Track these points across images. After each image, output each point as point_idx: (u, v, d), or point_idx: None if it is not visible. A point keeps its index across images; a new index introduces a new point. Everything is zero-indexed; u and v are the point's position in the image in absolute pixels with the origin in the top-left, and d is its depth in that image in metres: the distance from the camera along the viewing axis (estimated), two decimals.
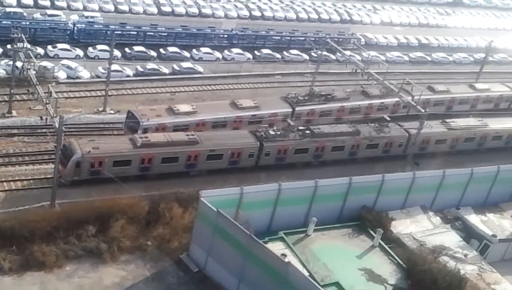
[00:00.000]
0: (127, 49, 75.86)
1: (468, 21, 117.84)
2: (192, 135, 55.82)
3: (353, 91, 72.86)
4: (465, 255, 50.04)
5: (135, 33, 78.91)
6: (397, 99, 69.33)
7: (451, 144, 69.11)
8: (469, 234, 53.36)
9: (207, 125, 60.32)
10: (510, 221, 55.69)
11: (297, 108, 66.18)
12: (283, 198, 47.69)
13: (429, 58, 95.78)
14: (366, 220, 50.10)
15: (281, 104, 66.29)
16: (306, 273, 42.11)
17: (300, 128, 61.05)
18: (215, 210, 42.55)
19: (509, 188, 59.24)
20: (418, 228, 52.01)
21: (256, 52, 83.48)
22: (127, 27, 79.18)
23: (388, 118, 69.46)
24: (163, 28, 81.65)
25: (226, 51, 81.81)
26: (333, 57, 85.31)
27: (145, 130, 56.75)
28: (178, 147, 54.27)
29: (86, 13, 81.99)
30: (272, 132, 58.87)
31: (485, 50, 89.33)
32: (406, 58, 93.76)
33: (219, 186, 48.94)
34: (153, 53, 76.96)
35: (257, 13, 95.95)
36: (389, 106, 72.58)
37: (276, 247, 44.45)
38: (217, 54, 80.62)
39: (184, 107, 60.53)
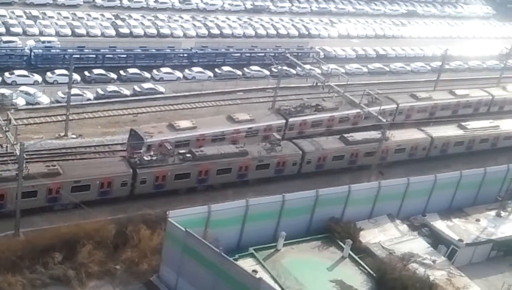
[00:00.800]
0: (86, 73, 75.15)
1: (423, 30, 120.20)
2: (54, 165, 51.73)
3: (341, 101, 73.90)
4: (434, 261, 50.59)
5: (93, 56, 78.28)
6: (384, 107, 73.52)
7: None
8: (436, 240, 54.02)
9: (206, 140, 62.15)
10: (475, 225, 56.59)
11: (290, 120, 68.61)
12: (251, 214, 47.56)
13: (387, 69, 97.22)
14: (335, 232, 50.32)
15: (275, 116, 68.70)
16: (278, 288, 42.03)
17: (181, 151, 57.12)
18: (184, 229, 42.21)
19: (472, 192, 60.25)
20: (386, 236, 52.42)
21: (216, 69, 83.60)
22: (85, 50, 78.43)
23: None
24: (122, 50, 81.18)
25: (186, 70, 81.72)
26: (293, 71, 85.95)
27: (149, 147, 58.20)
28: (36, 180, 49.08)
29: (42, 38, 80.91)
30: (147, 158, 54.88)
31: (441, 59, 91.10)
32: (365, 70, 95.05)
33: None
34: (113, 75, 76.43)
35: (215, 31, 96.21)
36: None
37: (247, 264, 44.32)
38: (178, 74, 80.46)
39: (184, 123, 62.46)
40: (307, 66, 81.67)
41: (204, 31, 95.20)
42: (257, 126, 65.98)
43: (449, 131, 73.65)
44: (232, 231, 47.44)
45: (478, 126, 75.45)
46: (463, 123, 74.69)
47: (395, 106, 77.83)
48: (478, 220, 57.38)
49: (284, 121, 68.43)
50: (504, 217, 58.65)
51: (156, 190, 55.52)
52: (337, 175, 63.90)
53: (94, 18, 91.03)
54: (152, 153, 55.98)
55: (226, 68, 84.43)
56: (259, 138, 65.14)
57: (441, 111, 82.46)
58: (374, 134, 66.44)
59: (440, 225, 55.54)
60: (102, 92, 72.32)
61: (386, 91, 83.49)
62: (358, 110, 70.07)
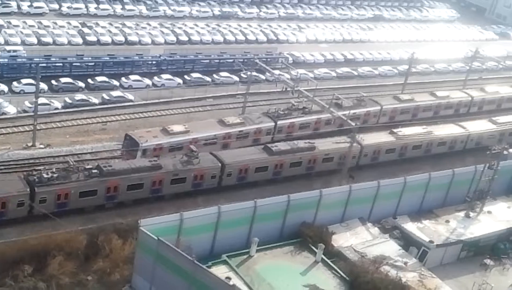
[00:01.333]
0: (53, 81, 74.25)
1: (390, 34, 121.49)
2: None
3: (328, 103, 74.11)
4: (405, 263, 51.10)
5: (60, 64, 77.34)
6: (368, 109, 76.92)
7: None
8: (407, 242, 54.58)
9: (199, 143, 62.61)
10: (445, 226, 57.34)
11: (278, 122, 69.60)
12: (223, 220, 47.50)
13: (355, 73, 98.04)
14: (307, 236, 50.54)
15: (264, 119, 69.56)
16: None
17: (87, 166, 54.73)
18: (156, 238, 41.95)
19: (441, 194, 61.05)
20: (358, 240, 52.79)
21: (186, 76, 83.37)
22: (52, 59, 77.54)
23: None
24: (90, 58, 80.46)
25: (155, 78, 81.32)
26: (262, 77, 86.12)
27: (144, 151, 58.99)
28: None
29: (8, 47, 79.70)
30: (47, 175, 51.52)
31: (408, 62, 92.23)
32: (334, 74, 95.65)
33: None
34: (81, 84, 75.67)
35: (184, 37, 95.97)
36: (360, 115, 76.79)
37: (220, 271, 44.22)
38: (147, 81, 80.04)
39: (177, 128, 63.32)
40: (276, 72, 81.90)
41: (172, 38, 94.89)
42: (247, 129, 67.18)
43: (380, 138, 71.56)
44: (205, 238, 47.33)
45: (410, 132, 73.91)
46: (395, 130, 73.06)
47: (379, 108, 79.85)
48: (447, 221, 58.16)
49: (273, 123, 69.49)
50: (472, 218, 59.55)
51: (59, 209, 51.76)
52: (262, 187, 60.80)
53: (61, 26, 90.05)
54: (54, 169, 52.96)
55: (195, 75, 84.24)
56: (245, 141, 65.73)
57: (423, 112, 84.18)
58: (302, 143, 65.19)
59: (411, 227, 56.13)
60: (70, 101, 71.55)
61: (355, 95, 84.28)
62: (345, 112, 70.61)
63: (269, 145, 63.92)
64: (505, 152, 62.15)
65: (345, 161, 64.56)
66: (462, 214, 59.73)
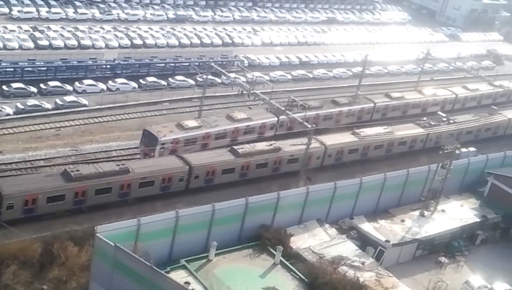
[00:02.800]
0: (4, 87, 72.59)
1: (344, 37, 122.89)
2: None
3: (325, 100, 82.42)
4: (363, 263, 51.74)
5: (12, 69, 75.57)
6: (362, 106, 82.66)
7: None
8: (364, 242, 55.27)
9: (211, 137, 66.85)
10: (401, 226, 58.26)
11: (280, 117, 72.36)
12: (181, 225, 47.30)
13: (310, 75, 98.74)
14: (266, 239, 50.73)
15: (268, 115, 72.92)
16: None
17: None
18: (113, 244, 41.45)
19: (396, 193, 62.01)
20: (316, 241, 53.22)
21: (141, 80, 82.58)
22: (2, 64, 75.73)
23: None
24: (42, 62, 78.86)
25: (110, 82, 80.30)
26: (218, 80, 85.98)
27: (163, 145, 62.32)
28: None
29: None
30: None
31: (362, 64, 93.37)
32: (289, 77, 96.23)
33: None
34: (33, 89, 74.17)
35: (138, 41, 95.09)
36: (355, 112, 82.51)
37: (179, 276, 44.01)
38: (101, 86, 78.93)
39: (191, 123, 67.08)
40: (232, 75, 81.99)
41: (126, 41, 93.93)
42: (253, 123, 70.46)
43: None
44: (163, 243, 47.04)
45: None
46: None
47: (373, 105, 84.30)
48: (403, 221, 59.11)
49: (276, 119, 72.52)
50: (427, 217, 60.71)
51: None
52: (228, 189, 60.43)
53: (11, 31, 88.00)
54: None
55: (150, 79, 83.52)
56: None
57: (412, 109, 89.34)
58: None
59: (367, 227, 56.87)
60: (22, 107, 70.06)
61: (310, 97, 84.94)
62: (341, 109, 79.40)
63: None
64: (457, 152, 63.59)
65: (303, 162, 65.17)
66: (417, 213, 60.83)
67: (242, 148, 64.10)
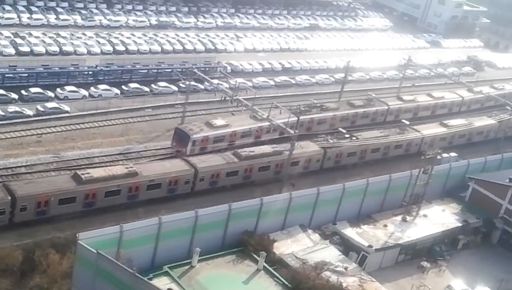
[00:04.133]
0: None
1: (326, 43, 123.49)
2: None
3: (341, 102, 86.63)
4: (346, 268, 51.90)
5: None
6: (377, 108, 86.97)
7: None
8: (347, 247, 55.47)
9: (237, 135, 70.85)
10: (383, 231, 58.55)
11: (301, 117, 76.52)
12: (164, 231, 47.12)
13: (293, 81, 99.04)
14: (249, 245, 50.71)
15: (288, 114, 73.06)
16: None
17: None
18: (95, 251, 41.19)
19: (378, 199, 62.34)
20: (299, 247, 53.30)
21: (123, 86, 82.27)
22: None
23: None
24: (23, 69, 78.32)
25: (92, 88, 79.90)
26: (201, 86, 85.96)
27: (194, 142, 66.45)
28: None
29: None
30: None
31: (344, 70, 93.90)
32: (272, 83, 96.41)
33: None
34: (14, 95, 73.58)
35: (121, 47, 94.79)
36: (369, 114, 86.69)
37: (162, 283, 43.83)
38: (83, 92, 78.50)
39: (219, 121, 71.06)
40: (215, 81, 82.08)
41: (109, 47, 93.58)
42: (275, 123, 69.94)
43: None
44: (146, 250, 46.82)
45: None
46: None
47: (387, 107, 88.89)
48: (385, 226, 59.42)
49: (296, 118, 75.46)
50: (409, 222, 61.08)
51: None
52: (232, 191, 62.07)
53: None
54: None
55: (133, 85, 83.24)
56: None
57: (422, 111, 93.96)
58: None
59: (350, 232, 57.08)
60: (2, 114, 69.45)
61: (293, 103, 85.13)
62: (356, 110, 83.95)
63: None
64: (438, 157, 64.05)
65: (270, 171, 65.87)
66: (399, 218, 61.18)
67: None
